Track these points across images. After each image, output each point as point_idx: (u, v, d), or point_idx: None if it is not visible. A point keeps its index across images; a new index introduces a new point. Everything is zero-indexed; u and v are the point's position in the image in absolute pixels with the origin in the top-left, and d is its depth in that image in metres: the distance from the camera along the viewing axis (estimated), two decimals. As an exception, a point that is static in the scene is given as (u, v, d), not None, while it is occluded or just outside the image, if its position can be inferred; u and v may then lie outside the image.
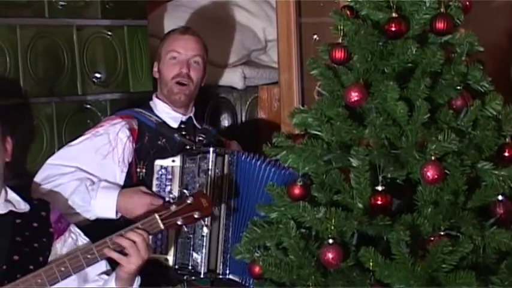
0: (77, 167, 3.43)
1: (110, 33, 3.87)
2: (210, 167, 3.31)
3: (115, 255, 2.90)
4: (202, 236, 3.27)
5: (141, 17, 4.02)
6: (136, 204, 3.35)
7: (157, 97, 3.69)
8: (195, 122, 3.69)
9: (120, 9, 3.91)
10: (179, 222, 2.96)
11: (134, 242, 2.89)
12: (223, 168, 3.34)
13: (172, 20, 4.45)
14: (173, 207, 2.96)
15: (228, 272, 3.32)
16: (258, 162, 3.33)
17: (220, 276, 3.33)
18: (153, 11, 4.50)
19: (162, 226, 2.95)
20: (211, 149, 3.35)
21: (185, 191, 3.04)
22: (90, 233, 3.14)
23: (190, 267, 3.31)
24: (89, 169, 3.44)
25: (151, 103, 3.68)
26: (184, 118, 3.64)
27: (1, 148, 3.00)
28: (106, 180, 3.44)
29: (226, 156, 3.35)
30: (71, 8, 3.73)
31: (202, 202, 2.99)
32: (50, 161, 3.47)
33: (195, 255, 3.29)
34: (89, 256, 2.88)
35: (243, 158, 3.36)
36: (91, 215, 3.38)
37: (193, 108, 3.71)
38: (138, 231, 2.91)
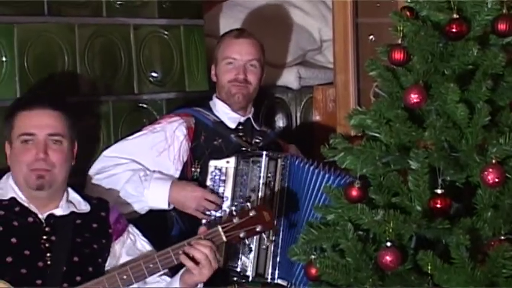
0: (132, 160, 3.45)
1: (166, 32, 3.88)
2: (262, 171, 3.31)
3: (190, 264, 2.89)
4: (262, 247, 3.28)
5: (197, 16, 4.04)
6: (188, 196, 3.37)
7: (217, 97, 3.68)
8: (253, 123, 3.67)
9: (176, 8, 3.93)
10: (241, 235, 2.94)
11: (205, 253, 2.89)
12: (276, 172, 3.33)
13: (227, 20, 4.46)
14: (236, 220, 2.94)
15: (276, 276, 3.31)
16: (311, 168, 3.31)
17: (269, 281, 3.32)
18: (209, 10, 4.51)
19: (224, 239, 2.94)
20: (264, 153, 3.34)
21: (248, 203, 3.01)
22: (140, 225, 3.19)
23: (239, 270, 3.31)
24: (144, 163, 3.45)
25: (210, 103, 3.68)
26: (242, 119, 3.63)
27: (70, 153, 3.04)
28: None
29: (279, 160, 3.34)
30: (128, 8, 3.76)
31: (264, 215, 2.97)
32: (105, 153, 3.49)
33: (244, 258, 3.29)
34: (151, 265, 2.88)
35: (296, 162, 3.34)
36: (143, 205, 3.40)
37: (252, 109, 3.70)
38: (207, 243, 2.90)
